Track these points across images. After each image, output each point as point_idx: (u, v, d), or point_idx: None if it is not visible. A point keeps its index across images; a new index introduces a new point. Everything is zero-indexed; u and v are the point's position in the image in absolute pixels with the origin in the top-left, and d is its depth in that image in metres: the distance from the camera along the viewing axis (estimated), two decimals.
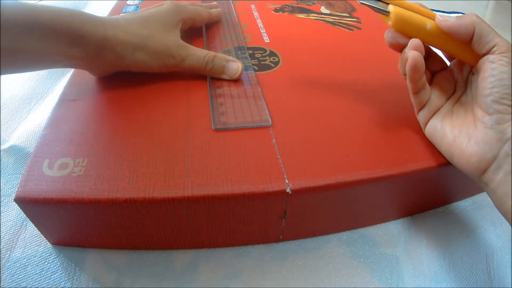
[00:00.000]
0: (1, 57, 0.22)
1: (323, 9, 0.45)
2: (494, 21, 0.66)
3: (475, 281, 0.25)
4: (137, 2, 0.44)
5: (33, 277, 0.24)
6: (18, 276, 0.24)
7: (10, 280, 0.23)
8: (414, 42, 0.23)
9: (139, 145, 0.24)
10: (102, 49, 0.26)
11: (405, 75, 0.24)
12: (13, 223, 0.27)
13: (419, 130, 0.26)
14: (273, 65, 0.33)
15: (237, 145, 0.24)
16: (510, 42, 0.22)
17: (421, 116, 0.26)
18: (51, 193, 0.21)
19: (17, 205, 0.21)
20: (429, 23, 0.23)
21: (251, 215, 0.23)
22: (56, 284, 0.23)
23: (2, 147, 0.33)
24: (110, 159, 0.23)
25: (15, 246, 0.25)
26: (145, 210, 0.22)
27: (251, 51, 0.35)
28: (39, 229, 0.24)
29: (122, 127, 0.25)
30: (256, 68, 0.32)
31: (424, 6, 0.25)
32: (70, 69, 0.39)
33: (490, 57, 0.22)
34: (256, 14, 0.42)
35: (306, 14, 0.43)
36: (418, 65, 0.23)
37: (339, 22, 0.42)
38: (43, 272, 0.24)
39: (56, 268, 0.24)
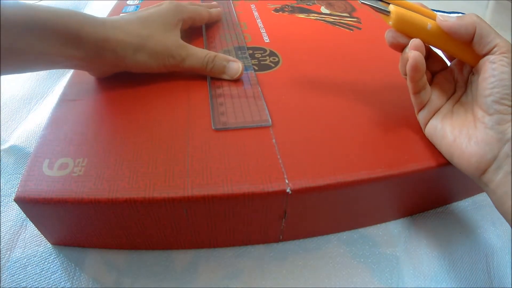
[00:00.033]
0: (1, 57, 0.22)
1: (323, 9, 0.45)
2: (494, 21, 0.66)
3: (475, 281, 0.25)
4: (137, 2, 0.44)
5: (33, 277, 0.24)
6: (18, 276, 0.24)
7: (10, 280, 0.23)
8: (415, 42, 0.23)
9: (139, 145, 0.24)
10: (102, 50, 0.26)
11: (406, 75, 0.24)
12: (13, 223, 0.27)
13: (419, 130, 0.26)
14: (273, 65, 0.33)
15: (237, 145, 0.24)
16: (510, 42, 0.22)
17: (421, 116, 0.26)
18: (51, 193, 0.21)
19: (17, 205, 0.21)
20: (429, 23, 0.23)
21: (251, 215, 0.23)
22: (56, 284, 0.23)
23: (2, 147, 0.33)
24: (110, 159, 0.23)
25: (15, 246, 0.25)
26: (145, 210, 0.22)
27: (251, 51, 0.35)
28: (39, 229, 0.24)
29: (122, 127, 0.25)
30: (256, 68, 0.32)
31: (425, 6, 0.25)
32: (70, 69, 0.39)
33: (490, 57, 0.22)
34: (256, 14, 0.42)
35: (306, 14, 0.43)
36: (419, 65, 0.23)
37: (339, 22, 0.42)
38: (43, 272, 0.24)
39: (56, 268, 0.24)
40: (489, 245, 0.27)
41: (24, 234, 0.26)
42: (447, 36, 0.23)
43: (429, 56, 0.26)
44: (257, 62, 0.33)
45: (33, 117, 0.36)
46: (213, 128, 0.26)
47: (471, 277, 0.26)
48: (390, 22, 0.24)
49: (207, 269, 0.25)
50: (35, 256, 0.25)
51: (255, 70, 0.32)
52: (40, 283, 0.23)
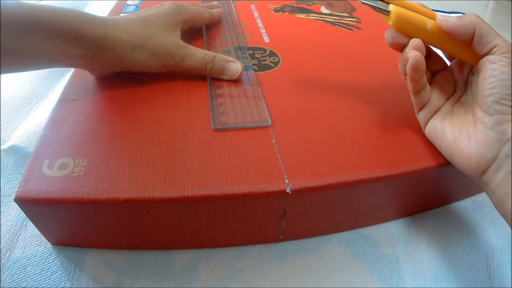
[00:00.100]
0: (1, 56, 0.22)
1: (323, 9, 0.45)
2: (494, 21, 0.66)
3: (475, 281, 0.25)
4: (137, 2, 0.44)
5: (33, 277, 0.24)
6: (18, 276, 0.24)
7: (10, 280, 0.23)
8: (415, 42, 0.23)
9: (139, 145, 0.24)
10: (102, 49, 0.26)
11: (406, 75, 0.24)
12: (13, 223, 0.27)
13: (419, 130, 0.26)
14: (273, 65, 0.33)
15: (237, 145, 0.24)
16: (510, 42, 0.22)
17: (421, 116, 0.26)
18: (51, 193, 0.21)
19: (17, 205, 0.21)
20: (429, 23, 0.23)
21: (251, 215, 0.23)
22: (56, 284, 0.23)
23: (2, 147, 0.33)
24: (110, 159, 0.23)
25: (15, 246, 0.25)
26: (145, 210, 0.22)
27: (251, 51, 0.35)
28: (39, 229, 0.24)
29: (122, 127, 0.25)
30: (256, 68, 0.32)
31: (425, 6, 0.25)
32: (70, 69, 0.39)
33: (490, 57, 0.22)
34: (256, 14, 0.42)
35: (306, 14, 0.43)
36: (419, 65, 0.23)
37: (339, 22, 0.42)
38: (43, 272, 0.24)
39: (56, 268, 0.24)
40: (489, 245, 0.27)
41: (24, 234, 0.26)
42: (447, 36, 0.23)
43: (429, 56, 0.26)
44: (257, 62, 0.33)
45: (33, 117, 0.36)
46: (213, 128, 0.26)
47: (471, 277, 0.26)
48: (390, 22, 0.24)
49: (207, 269, 0.25)
50: (35, 256, 0.25)
51: (255, 70, 0.32)
52: (40, 283, 0.23)
